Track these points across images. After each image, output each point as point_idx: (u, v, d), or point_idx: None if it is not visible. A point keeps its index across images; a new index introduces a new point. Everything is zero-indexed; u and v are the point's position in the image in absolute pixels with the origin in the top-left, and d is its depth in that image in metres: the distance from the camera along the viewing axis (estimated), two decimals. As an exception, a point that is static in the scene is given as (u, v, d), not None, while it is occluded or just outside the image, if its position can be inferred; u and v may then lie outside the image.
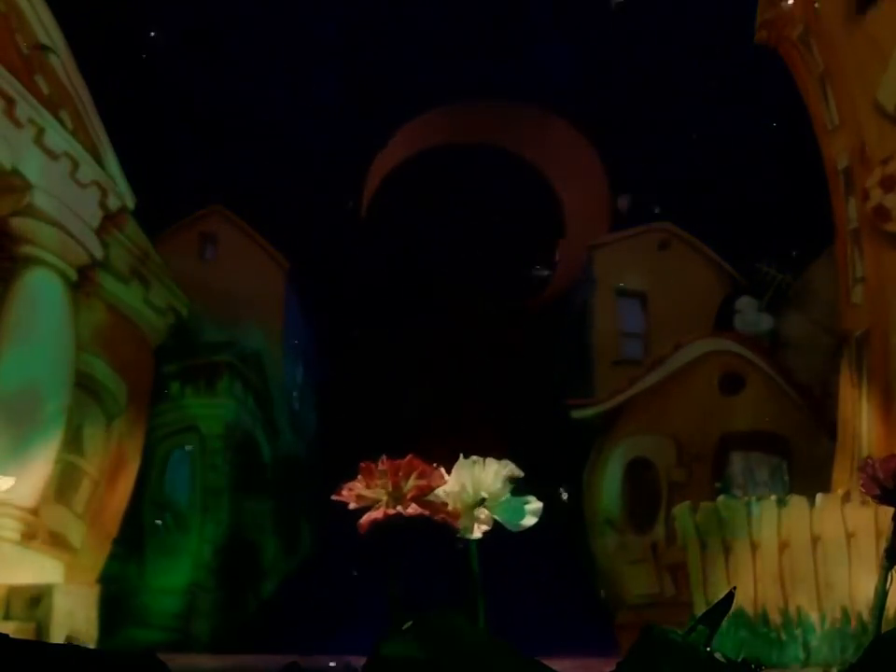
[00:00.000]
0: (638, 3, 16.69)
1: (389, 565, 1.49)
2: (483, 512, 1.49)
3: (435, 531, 1.54)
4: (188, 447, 14.94)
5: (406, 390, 19.13)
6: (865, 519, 8.89)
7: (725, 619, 1.33)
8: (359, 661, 1.17)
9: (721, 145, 16.22)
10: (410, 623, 1.16)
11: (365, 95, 18.03)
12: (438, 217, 19.47)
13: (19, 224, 11.07)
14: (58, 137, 11.30)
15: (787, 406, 14.47)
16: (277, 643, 11.73)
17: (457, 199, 19.49)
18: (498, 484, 1.49)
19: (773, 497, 10.13)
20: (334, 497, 1.51)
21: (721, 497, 10.69)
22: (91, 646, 8.87)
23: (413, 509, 1.46)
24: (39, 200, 11.04)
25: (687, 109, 16.79)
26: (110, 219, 12.36)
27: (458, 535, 1.50)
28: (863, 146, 11.18)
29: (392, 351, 20.19)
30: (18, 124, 10.61)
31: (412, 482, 1.47)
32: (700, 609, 7.87)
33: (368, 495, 1.48)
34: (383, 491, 1.48)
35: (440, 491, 1.49)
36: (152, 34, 15.62)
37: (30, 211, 11.03)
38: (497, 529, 1.52)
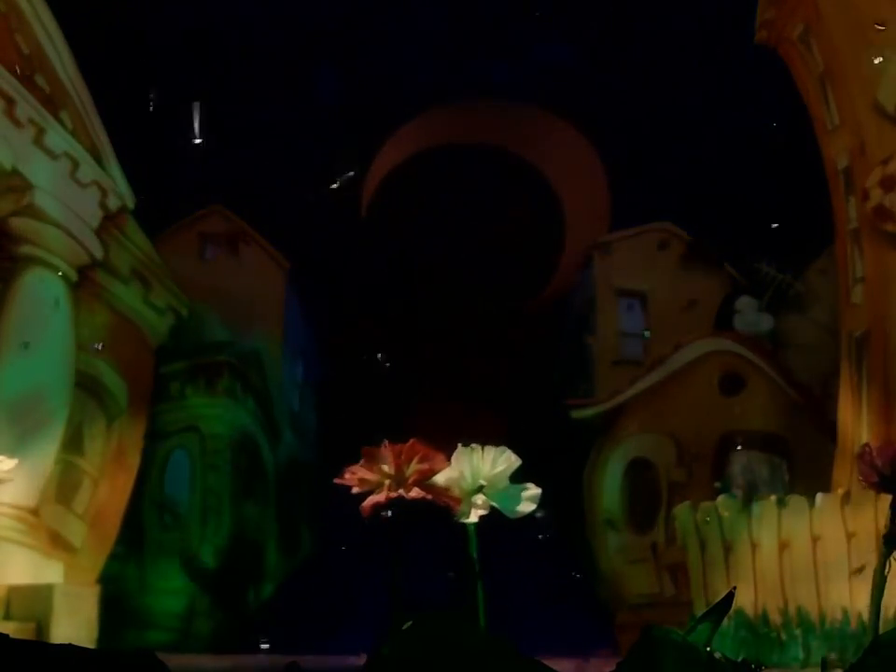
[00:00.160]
0: (639, 3, 16.68)
1: (391, 552, 1.50)
2: (480, 498, 1.50)
3: (437, 518, 1.55)
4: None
5: (406, 390, 19.12)
6: (865, 519, 8.88)
7: (725, 619, 1.33)
8: (359, 661, 1.17)
9: (721, 145, 16.21)
10: (410, 623, 1.16)
11: (365, 95, 18.03)
12: (437, 217, 19.47)
13: (19, 224, 11.07)
14: (58, 137, 11.30)
15: (787, 406, 14.46)
16: (277, 643, 11.74)
17: (457, 199, 19.48)
18: (496, 472, 1.51)
19: (773, 497, 10.13)
20: (337, 481, 1.52)
21: (720, 497, 10.69)
22: (91, 646, 8.87)
23: (415, 492, 1.48)
24: (39, 200, 11.04)
25: (687, 109, 16.79)
26: (110, 219, 12.36)
27: (456, 519, 1.52)
28: (863, 146, 11.18)
29: (392, 351, 20.19)
30: (18, 124, 10.61)
31: (414, 465, 1.48)
32: (700, 609, 7.87)
33: (370, 478, 1.49)
34: (385, 474, 1.49)
35: (439, 478, 1.51)
36: (152, 35, 15.61)
37: (30, 211, 11.03)
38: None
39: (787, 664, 8.99)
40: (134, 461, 13.11)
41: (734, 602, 1.40)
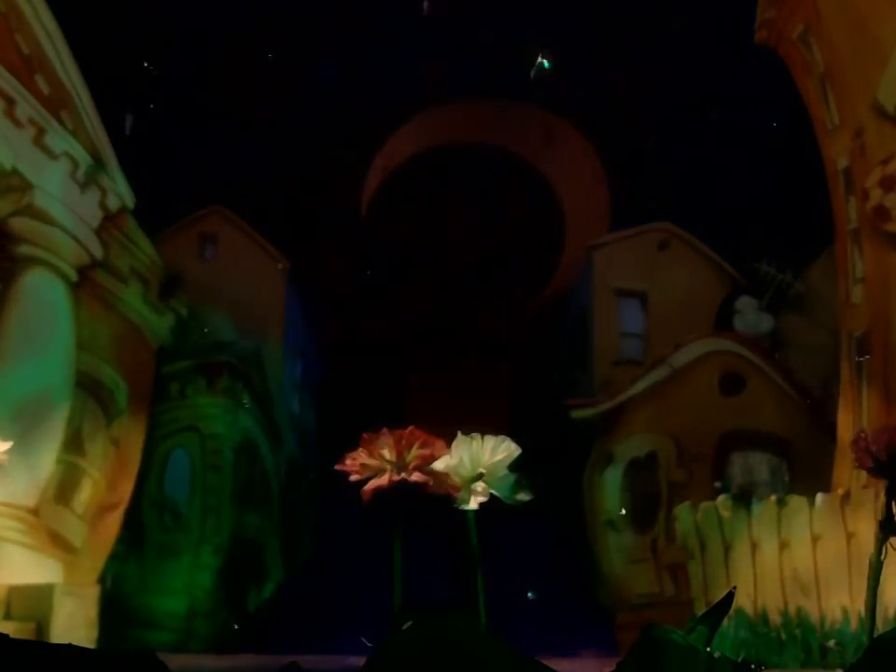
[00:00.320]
0: (639, 3, 16.68)
1: (391, 537, 1.51)
2: (479, 485, 1.51)
3: (436, 513, 1.56)
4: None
5: (405, 390, 19.13)
6: (865, 519, 8.88)
7: (725, 619, 1.33)
8: (359, 661, 1.17)
9: (722, 145, 16.22)
10: (410, 623, 1.16)
11: (365, 95, 18.03)
12: (437, 217, 19.47)
13: (19, 224, 11.07)
14: (58, 137, 11.31)
15: (787, 406, 14.47)
16: (277, 643, 11.73)
17: (457, 199, 19.49)
18: (496, 460, 1.51)
19: (773, 497, 10.13)
20: (337, 467, 1.52)
21: (720, 497, 10.69)
22: (91, 646, 8.88)
23: (417, 476, 1.48)
24: (39, 200, 11.04)
25: (687, 109, 16.79)
26: (110, 219, 12.37)
27: (455, 506, 1.52)
28: (863, 146, 11.18)
29: (391, 351, 20.18)
30: (18, 124, 10.62)
31: (415, 450, 1.49)
32: (700, 609, 7.87)
33: (371, 464, 1.50)
34: (386, 460, 1.49)
35: (438, 465, 1.51)
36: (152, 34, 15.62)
37: (30, 211, 11.04)
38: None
39: (787, 664, 8.99)
40: (134, 461, 13.11)
41: (734, 602, 1.40)
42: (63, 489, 11.75)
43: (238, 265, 16.82)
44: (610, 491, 14.93)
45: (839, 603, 8.98)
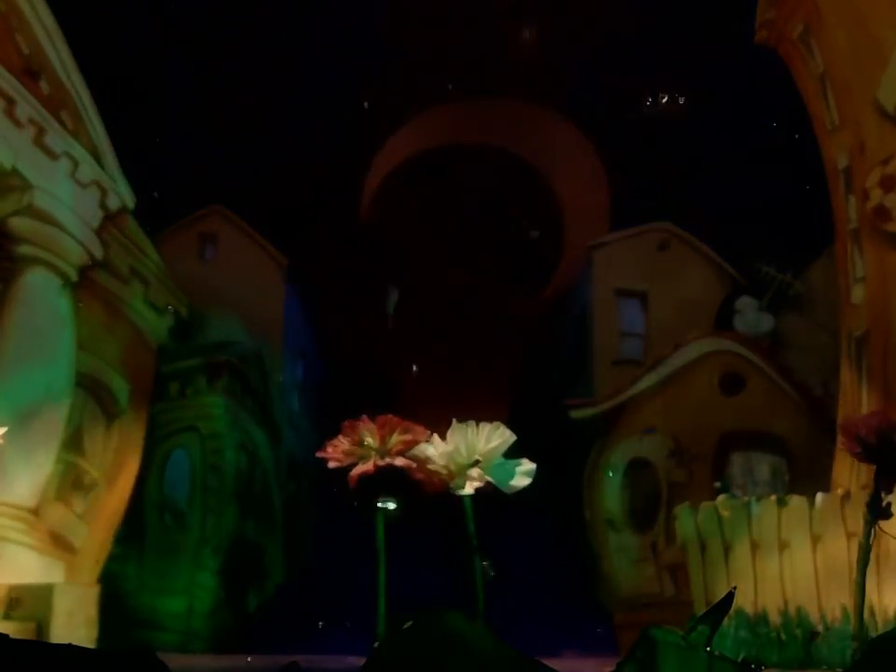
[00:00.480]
0: (639, 2, 16.68)
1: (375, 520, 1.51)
2: (475, 472, 1.51)
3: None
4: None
5: (405, 390, 19.12)
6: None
7: (725, 619, 1.33)
8: (359, 661, 1.17)
9: (722, 145, 16.22)
10: (410, 623, 1.16)
11: (365, 94, 18.04)
12: (437, 217, 19.47)
13: (19, 224, 11.07)
14: (58, 137, 11.31)
15: (787, 406, 14.47)
16: (277, 643, 11.74)
17: (457, 199, 19.49)
18: (491, 447, 1.52)
19: (773, 497, 10.12)
20: (319, 454, 1.52)
21: (720, 497, 10.68)
22: (91, 646, 8.88)
23: (401, 461, 1.49)
24: (39, 200, 11.04)
25: (687, 109, 16.80)
26: (110, 219, 12.37)
27: (452, 491, 1.52)
28: (863, 146, 11.18)
29: (391, 351, 20.18)
30: (18, 124, 10.62)
31: (396, 436, 1.50)
32: (700, 609, 7.87)
33: (353, 450, 1.50)
34: (369, 446, 1.50)
35: (434, 453, 1.51)
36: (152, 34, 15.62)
37: (30, 211, 11.03)
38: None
39: (787, 664, 8.99)
40: (134, 461, 13.11)
41: (734, 602, 1.40)
42: (63, 489, 11.75)
43: (238, 265, 16.82)
44: (610, 491, 14.93)
45: (839, 603, 8.97)
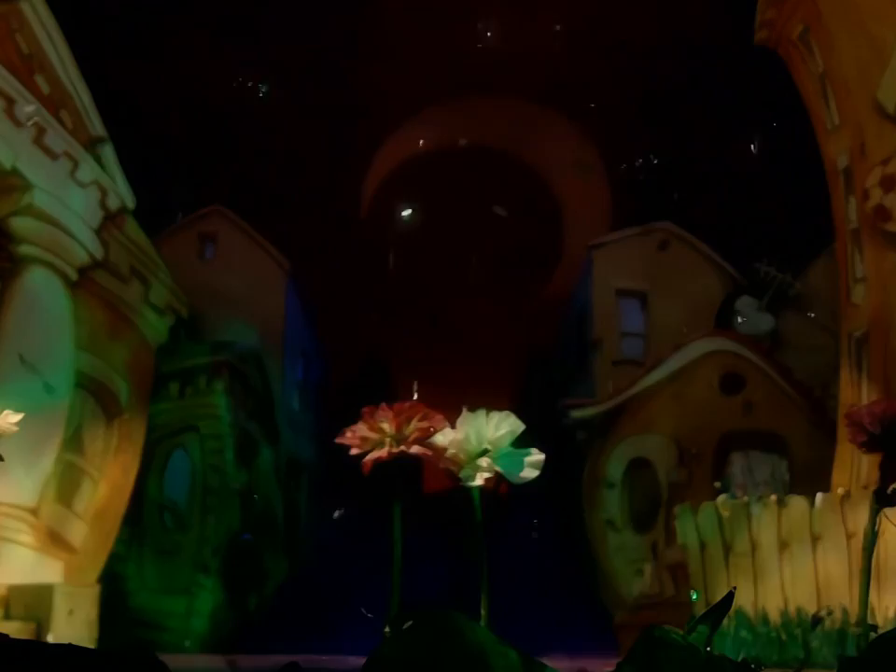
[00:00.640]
0: (640, 3, 16.69)
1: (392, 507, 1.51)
2: (485, 461, 1.51)
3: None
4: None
5: (404, 391, 19.12)
6: (865, 519, 8.87)
7: (725, 619, 1.33)
8: (359, 661, 1.17)
9: (722, 145, 16.22)
10: (410, 623, 1.16)
11: (365, 94, 18.03)
12: (437, 217, 19.47)
13: (19, 224, 11.06)
14: (58, 137, 11.31)
15: (787, 406, 14.46)
16: (277, 643, 11.73)
17: (457, 199, 19.49)
18: (500, 435, 1.52)
19: (773, 497, 10.12)
20: (338, 440, 1.52)
21: (720, 497, 10.69)
22: (91, 646, 8.87)
23: (416, 449, 1.49)
24: (39, 200, 11.04)
25: (687, 110, 16.79)
26: (110, 219, 12.36)
27: (460, 482, 1.52)
28: (863, 146, 11.17)
29: (390, 351, 20.18)
30: (18, 124, 10.61)
31: (415, 423, 1.49)
32: (700, 609, 7.86)
33: (371, 437, 1.50)
34: (386, 433, 1.50)
35: (444, 441, 1.52)
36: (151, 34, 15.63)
37: (30, 211, 11.03)
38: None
39: (787, 664, 8.99)
40: (134, 461, 13.10)
41: (734, 602, 1.40)
42: (63, 489, 11.74)
43: (238, 265, 16.82)
44: (610, 491, 14.93)
45: (839, 603, 8.97)
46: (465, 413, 1.53)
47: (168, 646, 12.43)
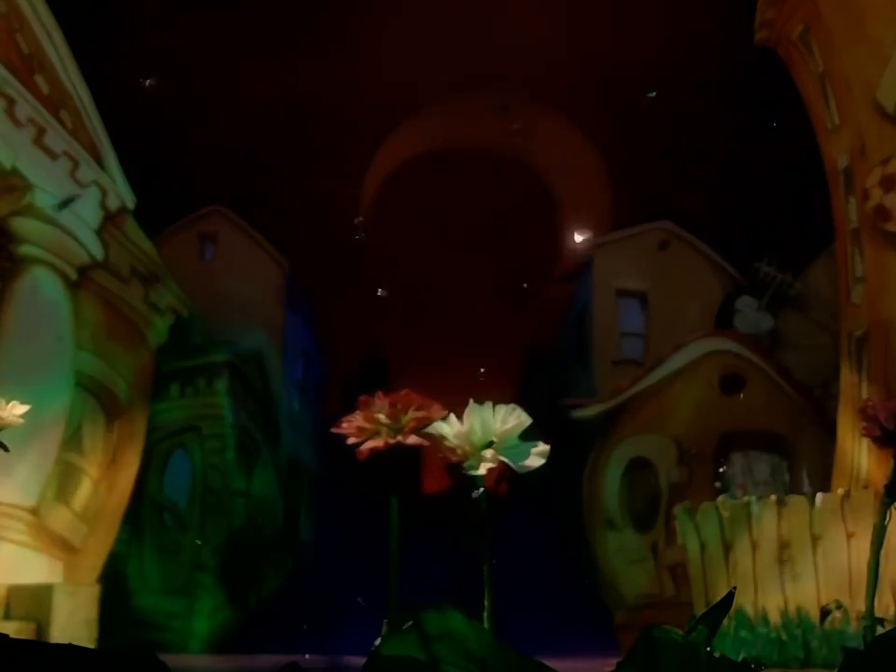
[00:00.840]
0: (640, 2, 16.68)
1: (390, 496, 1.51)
2: (489, 453, 1.51)
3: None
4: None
5: (404, 388, 19.09)
6: (865, 519, 8.88)
7: (725, 619, 1.32)
8: (360, 661, 1.17)
9: (722, 145, 16.21)
10: (410, 623, 1.16)
11: (365, 94, 18.03)
12: (437, 217, 19.47)
13: (19, 224, 11.07)
14: (58, 137, 11.31)
15: (787, 406, 14.46)
16: (277, 643, 11.73)
17: (456, 199, 19.48)
18: (507, 428, 1.51)
19: (773, 497, 10.12)
20: (334, 430, 1.52)
21: (720, 497, 10.69)
22: (91, 646, 8.87)
23: (413, 439, 1.49)
24: (39, 200, 11.04)
25: (687, 109, 16.79)
26: (110, 219, 12.37)
27: (463, 471, 1.52)
28: (863, 146, 11.18)
29: (391, 350, 20.18)
30: (18, 124, 10.62)
31: (411, 413, 1.49)
32: (700, 609, 7.86)
33: (367, 426, 1.50)
34: (382, 423, 1.50)
35: (449, 433, 1.51)
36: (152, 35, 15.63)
37: (30, 211, 11.03)
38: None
39: (787, 664, 8.99)
40: (134, 461, 13.11)
41: (734, 602, 1.40)
42: (63, 489, 11.75)
43: (238, 265, 16.82)
44: (610, 491, 14.93)
45: (839, 602, 8.97)
46: (471, 404, 1.53)
47: (168, 646, 12.43)
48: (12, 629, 8.66)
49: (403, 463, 1.52)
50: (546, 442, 1.59)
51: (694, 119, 16.69)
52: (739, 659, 1.19)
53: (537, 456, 1.54)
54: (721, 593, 1.38)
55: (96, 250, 12.07)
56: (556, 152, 19.64)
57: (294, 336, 17.84)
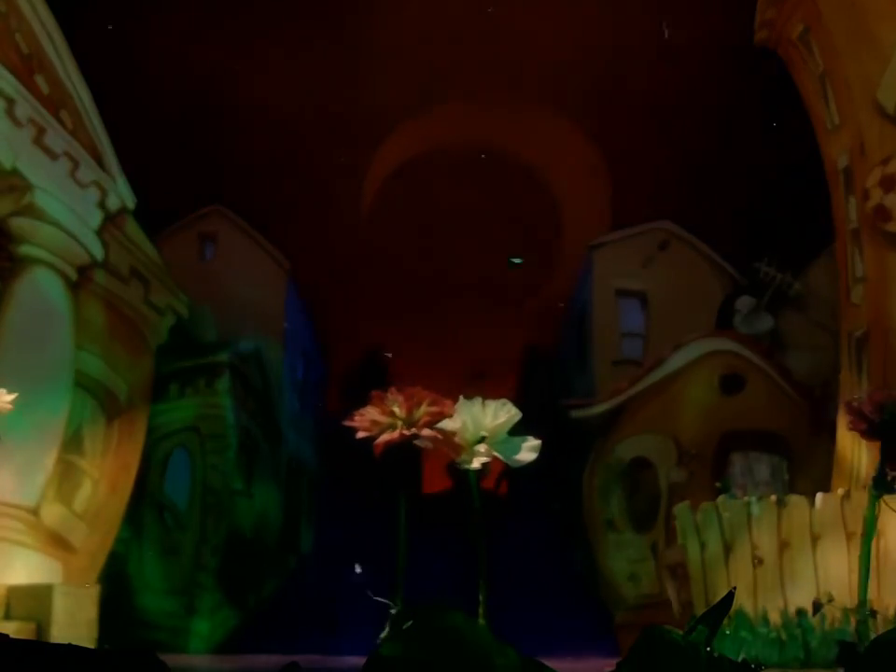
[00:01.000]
0: (640, 1, 16.68)
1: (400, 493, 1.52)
2: (482, 447, 1.52)
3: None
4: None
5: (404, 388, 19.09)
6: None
7: (725, 619, 1.32)
8: (359, 661, 1.17)
9: (721, 144, 16.21)
10: (410, 623, 1.16)
11: (365, 94, 18.03)
12: (437, 218, 19.47)
13: (19, 224, 11.07)
14: (58, 137, 11.31)
15: (787, 406, 14.47)
16: (277, 643, 11.74)
17: (457, 199, 19.48)
18: (498, 423, 1.53)
19: (773, 497, 10.12)
20: (346, 423, 1.53)
21: (720, 497, 10.69)
22: (91, 646, 8.87)
23: (426, 433, 1.50)
24: (39, 200, 11.04)
25: (687, 109, 16.78)
26: (110, 219, 12.37)
27: (458, 465, 1.53)
28: (863, 146, 11.18)
29: (391, 350, 20.18)
30: (18, 124, 10.62)
31: (425, 408, 1.51)
32: (700, 609, 7.86)
33: (381, 420, 1.51)
34: (396, 416, 1.51)
35: (451, 427, 1.53)
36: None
37: (30, 211, 11.03)
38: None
39: (787, 664, 8.98)
40: (134, 461, 13.10)
41: (734, 602, 1.40)
42: (63, 489, 11.75)
43: (238, 265, 16.82)
44: (610, 491, 14.93)
45: (839, 603, 8.97)
46: (461, 400, 1.54)
47: (168, 646, 12.43)
48: (12, 629, 8.66)
49: (410, 461, 1.54)
50: (545, 442, 1.60)
51: (695, 119, 16.69)
52: (739, 659, 1.19)
53: (528, 451, 1.55)
54: (721, 593, 1.38)
55: (96, 250, 12.08)
56: (556, 152, 19.64)
57: (294, 336, 17.84)
